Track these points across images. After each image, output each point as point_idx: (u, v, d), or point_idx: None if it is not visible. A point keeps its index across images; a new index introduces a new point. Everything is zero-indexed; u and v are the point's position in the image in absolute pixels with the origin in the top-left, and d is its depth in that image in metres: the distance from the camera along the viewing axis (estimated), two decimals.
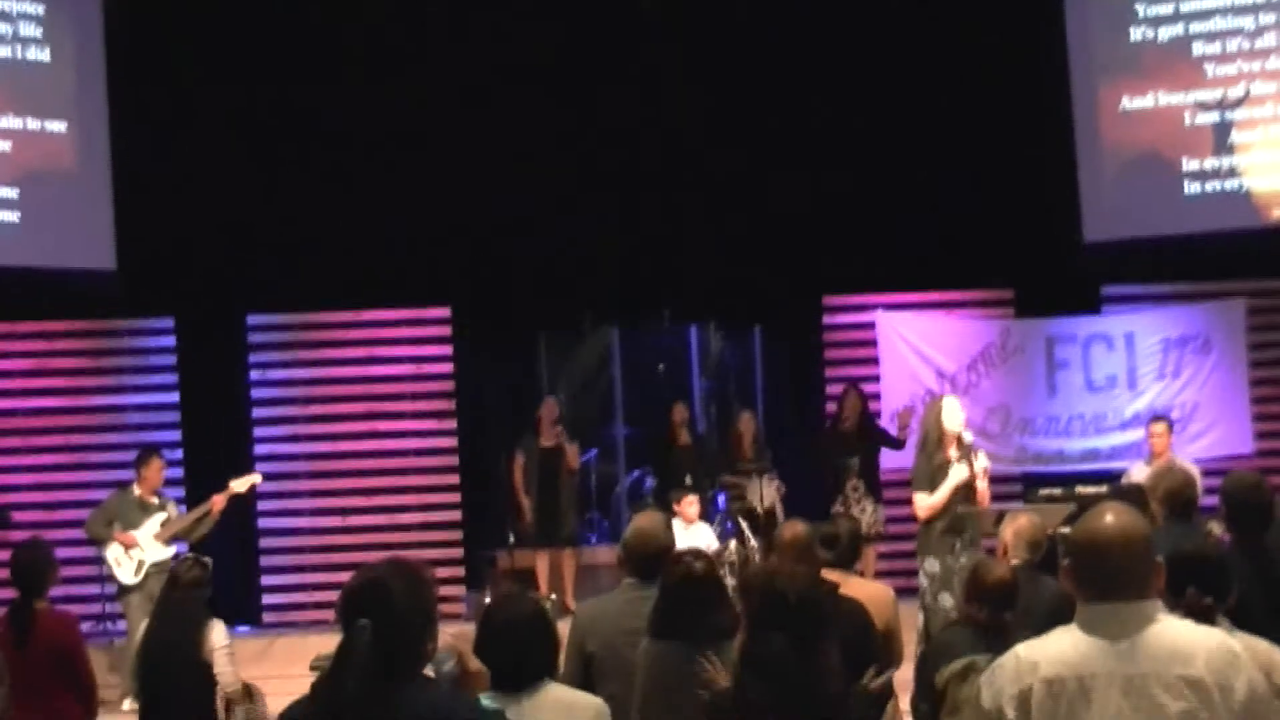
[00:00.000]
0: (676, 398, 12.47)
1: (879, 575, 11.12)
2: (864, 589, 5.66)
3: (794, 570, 4.85)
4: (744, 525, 10.44)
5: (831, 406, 11.78)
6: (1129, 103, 12.00)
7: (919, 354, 11.91)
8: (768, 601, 3.98)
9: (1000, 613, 5.15)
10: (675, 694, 4.56)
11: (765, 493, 11.27)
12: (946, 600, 7.97)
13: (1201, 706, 2.89)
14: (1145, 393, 11.63)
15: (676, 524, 9.51)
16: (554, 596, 11.06)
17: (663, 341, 14.60)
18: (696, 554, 4.99)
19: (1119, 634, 2.98)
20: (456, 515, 11.94)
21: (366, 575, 3.15)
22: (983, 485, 8.39)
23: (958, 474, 8.30)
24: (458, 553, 11.86)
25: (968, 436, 8.42)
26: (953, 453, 8.39)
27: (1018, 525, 6.25)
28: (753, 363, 13.78)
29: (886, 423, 11.70)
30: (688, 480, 11.15)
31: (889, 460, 11.33)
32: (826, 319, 12.30)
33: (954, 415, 8.52)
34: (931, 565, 8.29)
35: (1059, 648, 3.04)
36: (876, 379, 11.98)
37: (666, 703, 4.47)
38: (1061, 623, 3.12)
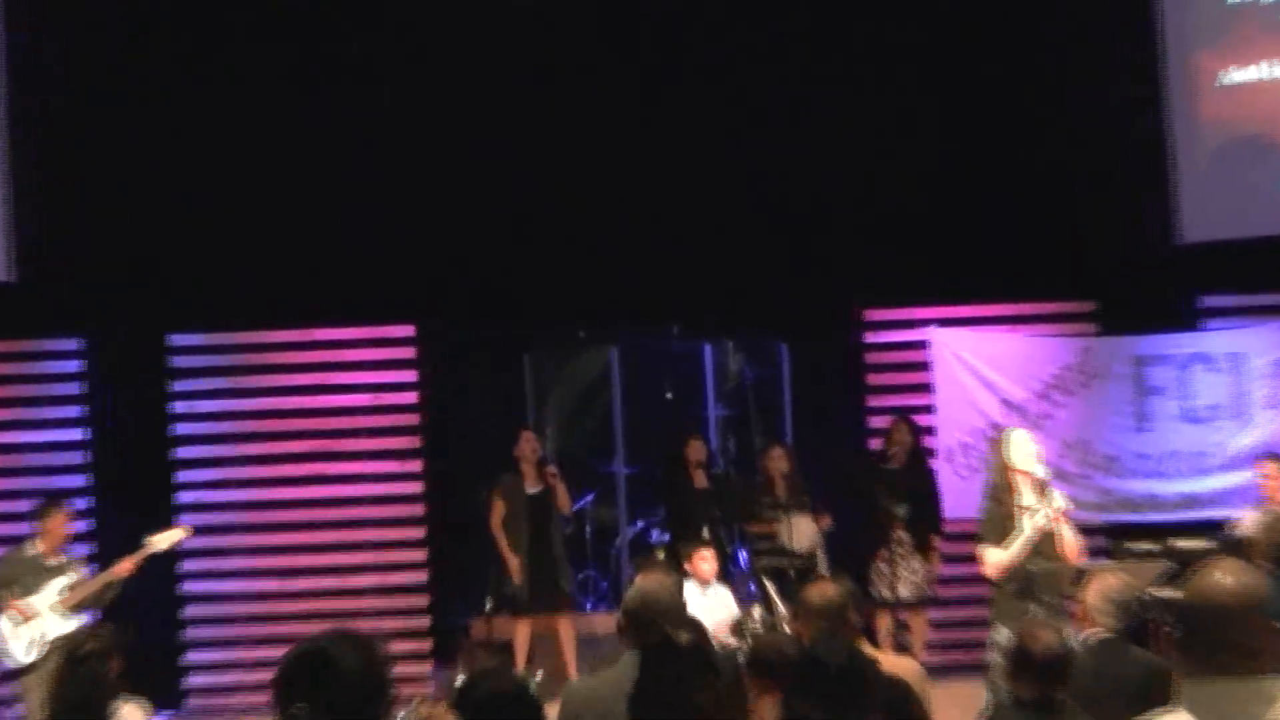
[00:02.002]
0: (690, 430, 12.46)
1: (932, 648, 11.43)
2: (886, 664, 5.74)
3: (835, 638, 4.96)
4: (770, 587, 10.43)
5: (875, 441, 11.86)
6: (1231, 75, 12.02)
7: (980, 379, 11.93)
8: (806, 672, 4.07)
9: (1050, 689, 5.16)
10: None
11: (799, 534, 11.26)
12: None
13: None
14: (1255, 424, 11.64)
15: (689, 585, 9.66)
16: (541, 673, 10.93)
17: (672, 362, 14.63)
18: (681, 620, 5.22)
19: (1234, 716, 2.97)
20: (422, 576, 11.99)
21: (306, 648, 3.23)
22: (1069, 533, 8.39)
23: (1032, 522, 8.33)
24: (424, 622, 11.92)
25: (1041, 472, 8.42)
26: (1026, 496, 8.41)
27: (1103, 586, 6.30)
28: (779, 387, 13.73)
29: (943, 463, 11.80)
30: (705, 534, 11.17)
31: (955, 505, 11.32)
32: (868, 336, 12.31)
33: (1024, 450, 8.54)
34: (1000, 634, 8.31)
35: None
36: (929, 409, 11.98)
37: None
38: (1155, 703, 3.14)
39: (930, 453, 11.80)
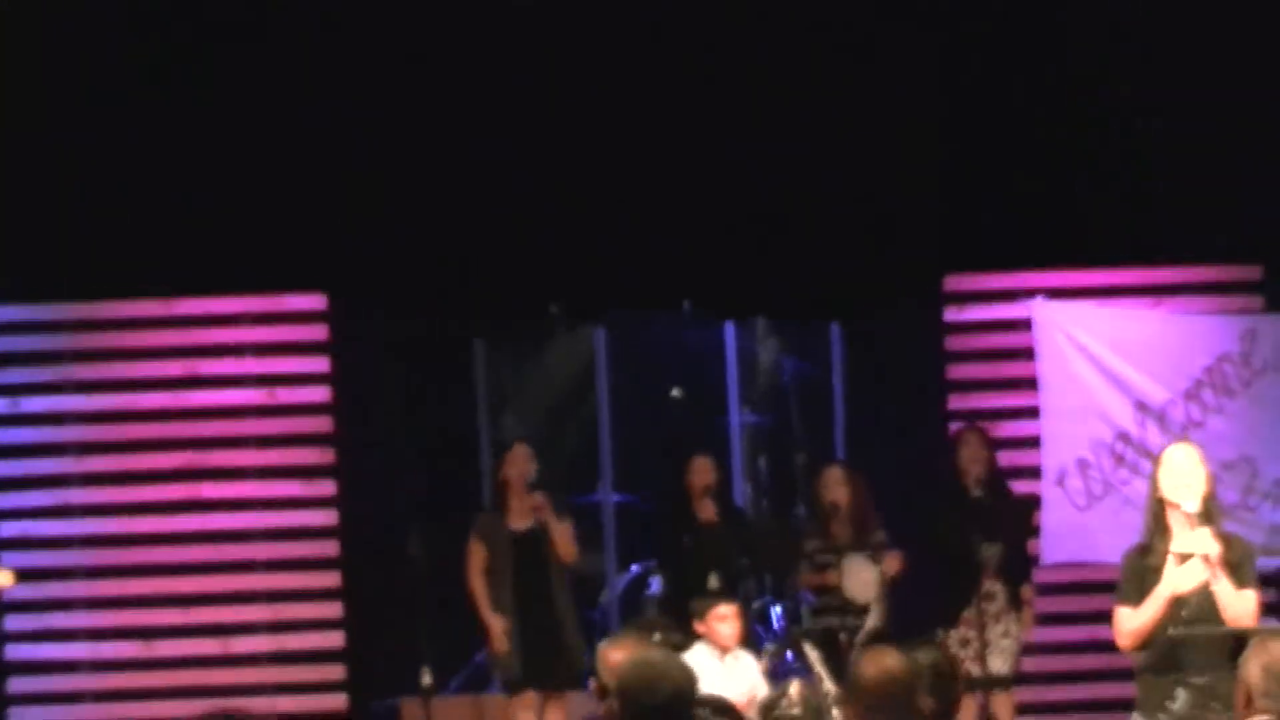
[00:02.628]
0: (698, 444, 12.37)
1: None
2: None
3: None
4: (813, 656, 10.28)
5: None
6: None
7: (1104, 372, 11.86)
8: None
9: None
10: None
11: (852, 582, 11.25)
12: None
13: None
14: None
15: (703, 652, 9.91)
16: None
17: (680, 350, 14.58)
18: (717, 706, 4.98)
19: None
20: (336, 639, 12.03)
21: None
22: (1226, 588, 8.10)
23: (1179, 576, 8.14)
24: (338, 701, 11.96)
25: (1191, 506, 8.14)
26: (1178, 538, 8.19)
27: (1271, 658, 6.16)
28: (829, 383, 13.83)
29: (1050, 486, 11.71)
30: (712, 581, 11.16)
31: (1064, 546, 11.40)
32: (951, 313, 12.32)
33: (1178, 475, 8.31)
34: None
35: None
36: (1032, 412, 11.98)
37: None
38: None
39: (1029, 473, 11.87)
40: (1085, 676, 11.62)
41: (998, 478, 11.54)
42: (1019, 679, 11.46)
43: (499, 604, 11.38)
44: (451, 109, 12.09)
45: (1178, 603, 8.10)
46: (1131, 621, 8.16)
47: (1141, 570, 8.22)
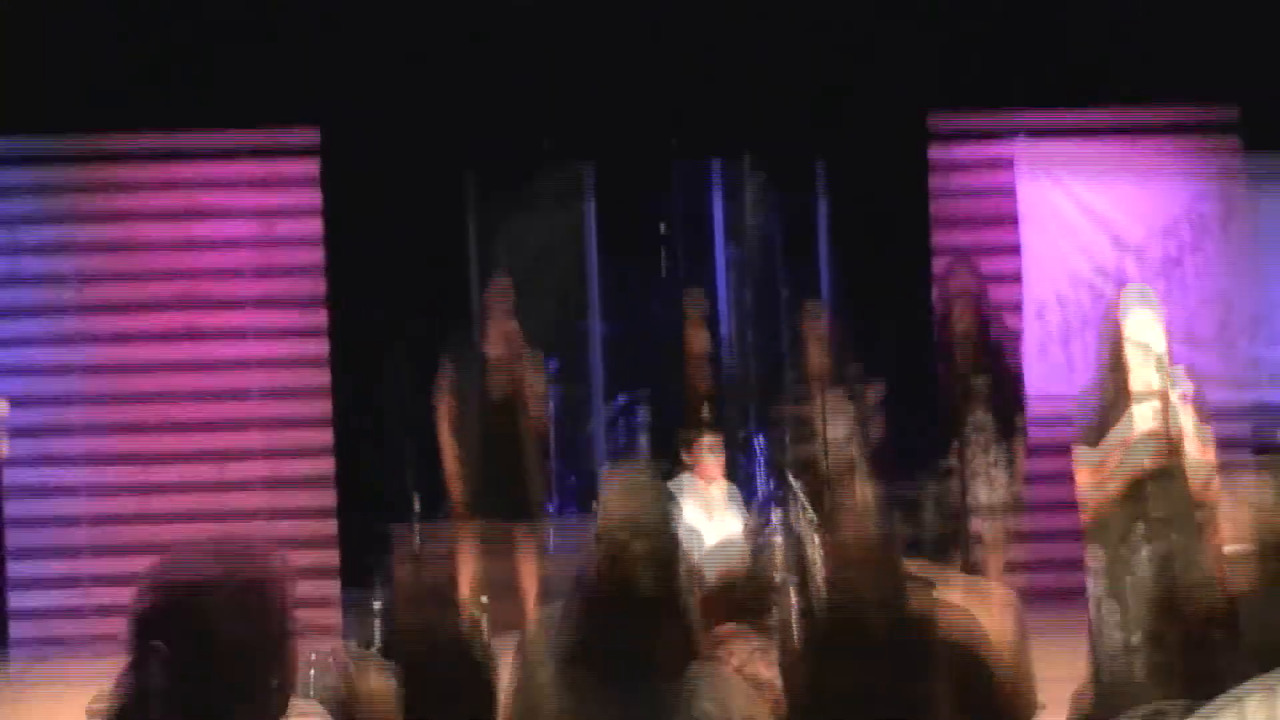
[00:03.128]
0: (689, 278, 12.58)
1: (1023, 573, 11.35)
2: (969, 594, 5.80)
3: (876, 578, 4.91)
4: (797, 487, 10.25)
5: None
6: None
7: (1085, 211, 12.00)
8: (839, 632, 4.14)
9: (1207, 634, 5.10)
10: None
11: (837, 415, 11.15)
12: (1114, 613, 8.02)
13: None
14: None
15: (688, 482, 10.13)
16: (484, 600, 10.95)
17: (668, 188, 14.53)
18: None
19: None
20: (328, 465, 12.14)
21: (168, 579, 3.12)
22: (1191, 424, 8.20)
23: (1141, 416, 8.21)
24: (330, 526, 12.09)
25: (1156, 344, 8.27)
26: (1140, 376, 8.26)
27: (1245, 498, 6.23)
28: (813, 221, 13.70)
29: (1030, 320, 12.07)
30: (706, 412, 11.33)
31: (1044, 379, 11.52)
32: (935, 152, 12.33)
33: (1145, 319, 8.39)
34: (1096, 557, 8.26)
35: None
36: (1014, 250, 12.12)
37: None
38: None
39: (1009, 308, 11.92)
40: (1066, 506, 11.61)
41: (987, 310, 11.53)
42: (1014, 508, 11.31)
43: (463, 426, 11.40)
44: None
45: (1140, 439, 8.14)
46: (1091, 458, 8.26)
47: (1102, 408, 8.30)
